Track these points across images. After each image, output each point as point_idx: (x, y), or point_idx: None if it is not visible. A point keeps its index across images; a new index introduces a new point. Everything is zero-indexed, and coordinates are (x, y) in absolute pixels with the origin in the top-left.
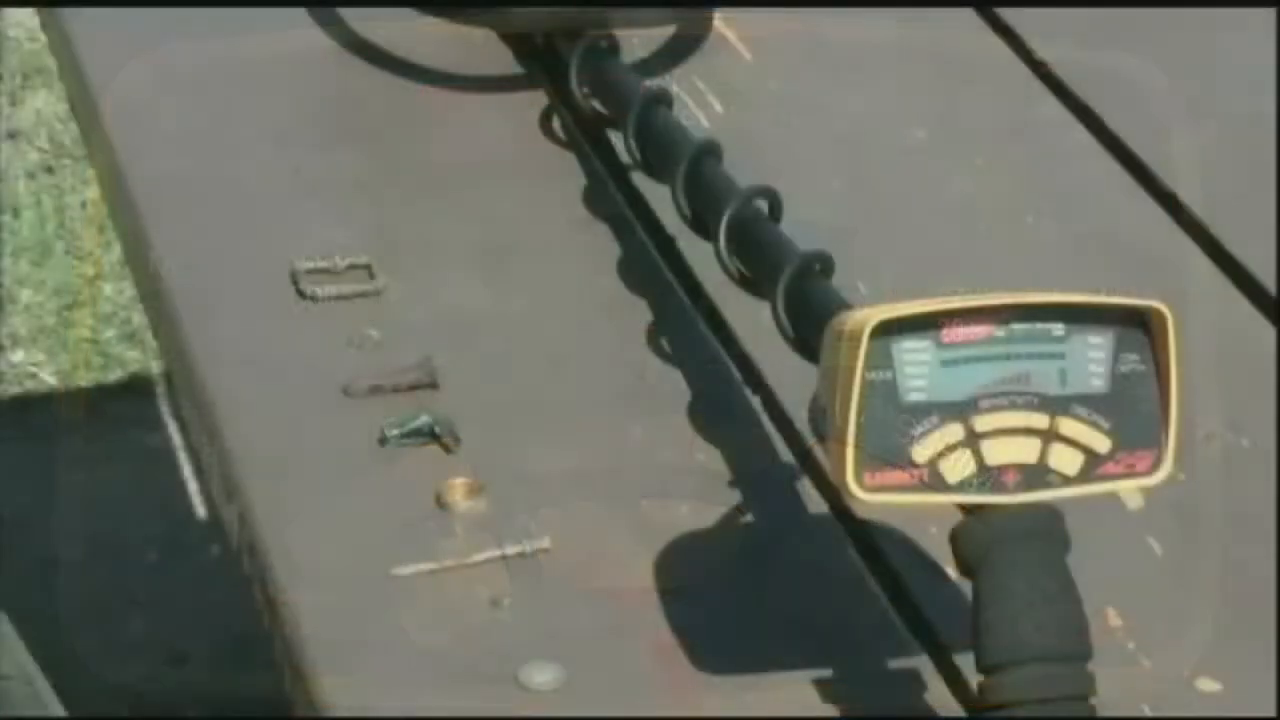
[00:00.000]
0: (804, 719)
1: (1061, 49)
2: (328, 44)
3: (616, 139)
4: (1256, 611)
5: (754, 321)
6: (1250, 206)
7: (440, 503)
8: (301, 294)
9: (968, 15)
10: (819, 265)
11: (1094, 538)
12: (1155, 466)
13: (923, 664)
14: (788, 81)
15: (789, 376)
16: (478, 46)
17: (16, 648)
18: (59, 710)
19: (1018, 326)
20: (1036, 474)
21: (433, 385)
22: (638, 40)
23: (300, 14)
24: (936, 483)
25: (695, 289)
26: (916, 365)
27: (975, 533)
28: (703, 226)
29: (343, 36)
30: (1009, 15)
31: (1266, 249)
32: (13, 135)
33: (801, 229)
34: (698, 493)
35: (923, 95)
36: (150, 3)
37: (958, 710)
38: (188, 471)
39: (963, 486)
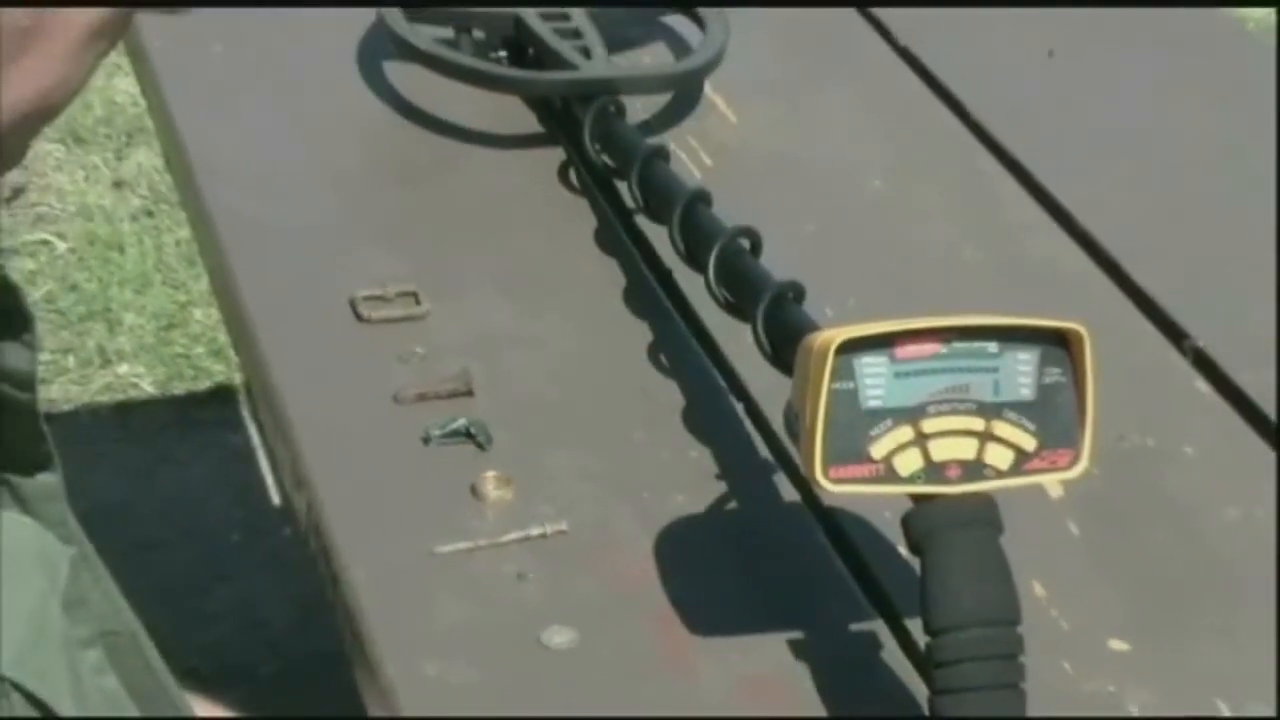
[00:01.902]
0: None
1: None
2: (381, 106)
3: (623, 188)
4: (1159, 583)
5: (738, 341)
6: (1153, 238)
7: (474, 493)
8: (358, 317)
9: (922, 94)
10: (792, 293)
11: (1022, 522)
12: (1074, 462)
13: (879, 628)
14: (767, 140)
15: (767, 387)
16: (507, 109)
17: (123, 607)
18: (159, 663)
19: (959, 345)
20: (974, 468)
21: (469, 393)
22: (640, 104)
23: (359, 79)
24: (891, 476)
25: (688, 313)
26: (874, 377)
27: (923, 518)
28: (695, 261)
29: (394, 100)
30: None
31: (1165, 277)
32: (119, 184)
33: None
34: (690, 485)
35: (878, 150)
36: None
37: (908, 666)
38: (264, 465)
39: (913, 479)
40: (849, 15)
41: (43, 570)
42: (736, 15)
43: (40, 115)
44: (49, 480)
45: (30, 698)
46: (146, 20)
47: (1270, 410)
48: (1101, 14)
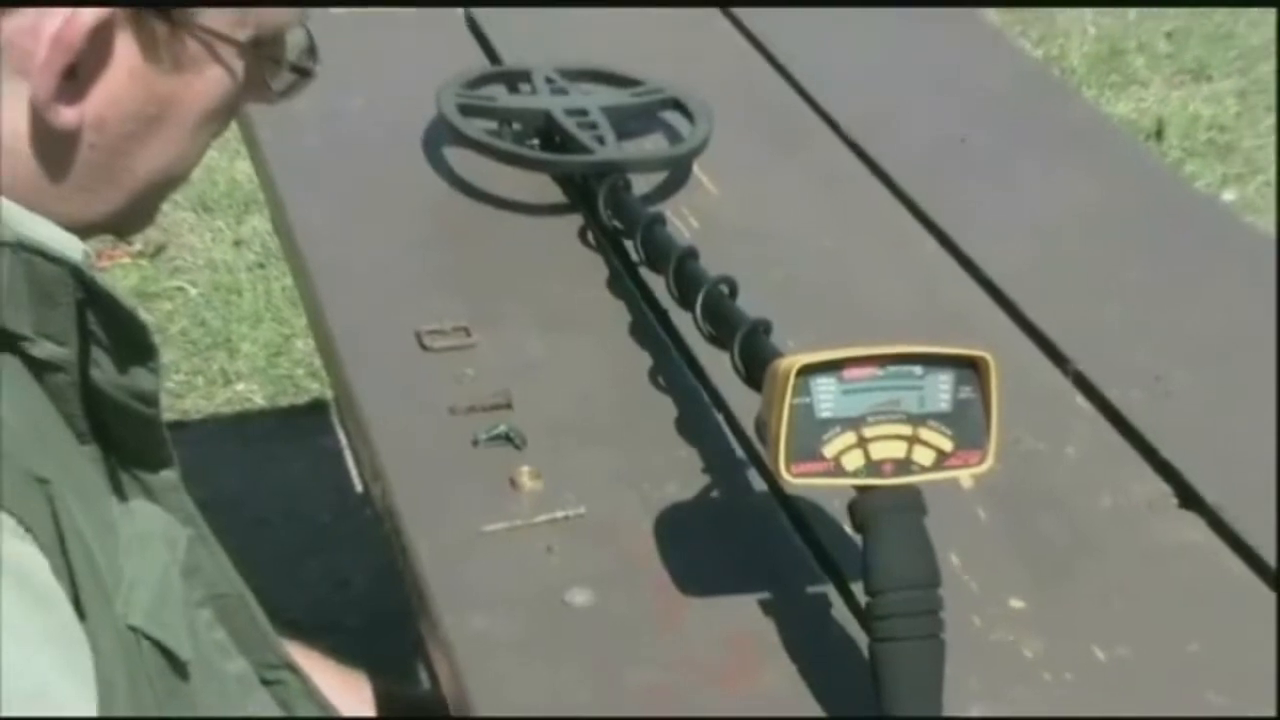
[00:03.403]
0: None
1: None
2: (439, 181)
3: (629, 245)
4: (1048, 555)
5: (719, 365)
6: (1042, 285)
7: (512, 484)
8: (422, 346)
9: (861, 172)
10: (762, 328)
11: (942, 507)
12: (982, 461)
13: (830, 590)
14: (742, 208)
15: (742, 401)
16: (538, 184)
17: (232, 575)
18: (262, 617)
19: (892, 368)
20: (904, 465)
21: (508, 406)
22: (642, 180)
23: (423, 160)
24: (839, 471)
25: (680, 344)
26: (826, 394)
27: (864, 504)
28: (685, 302)
29: (450, 176)
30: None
31: (1052, 315)
32: (238, 243)
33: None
34: (681, 478)
35: (828, 217)
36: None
37: (852, 620)
38: (349, 462)
39: (856, 473)
40: (805, 111)
41: (166, 546)
42: (719, 111)
43: (167, 184)
44: (170, 476)
45: (157, 645)
46: (257, 113)
47: (1133, 419)
48: (1000, 108)
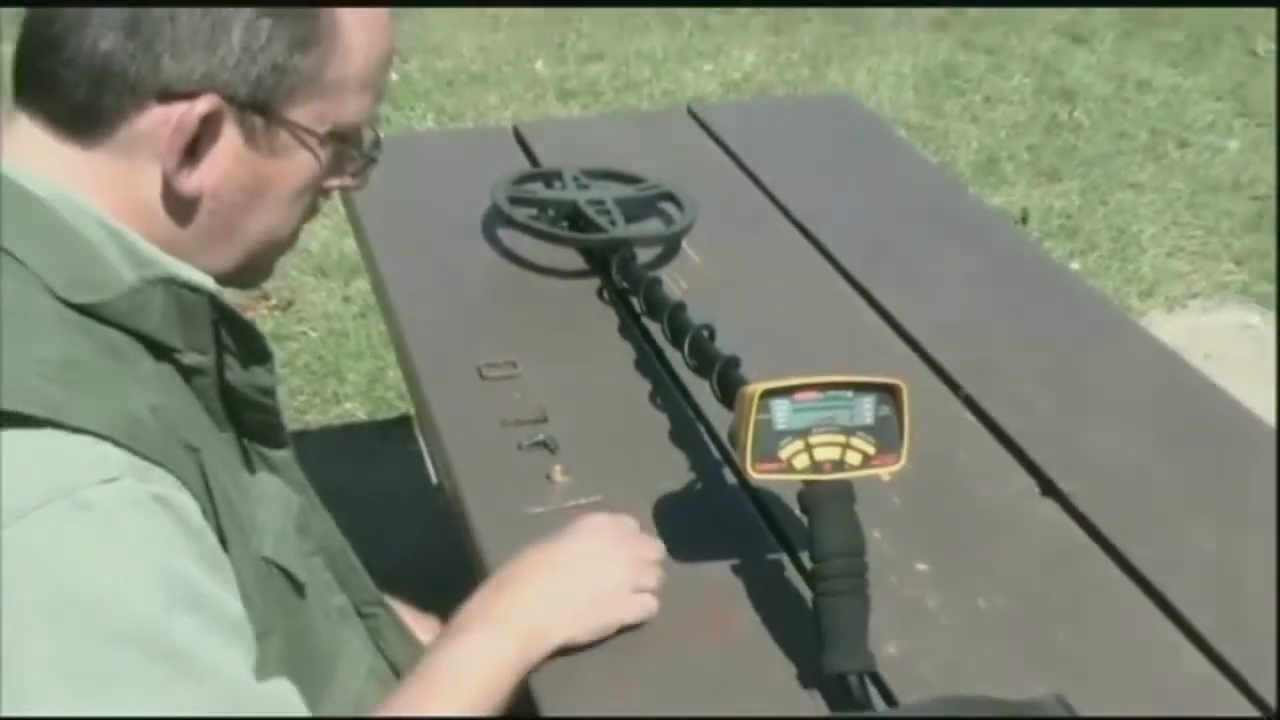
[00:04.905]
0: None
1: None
2: (494, 253)
3: (635, 301)
4: (947, 530)
5: (702, 390)
6: (942, 332)
7: (548, 478)
8: (481, 376)
9: (806, 249)
10: (734, 363)
11: (867, 495)
12: (897, 461)
13: (783, 557)
14: (718, 275)
15: (719, 417)
16: (567, 255)
17: (336, 533)
18: (360, 565)
19: (830, 393)
20: (839, 465)
21: (545, 420)
22: (645, 253)
23: (481, 237)
24: (791, 469)
25: (672, 374)
26: (781, 411)
27: (810, 494)
28: (677, 343)
29: (502, 249)
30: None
31: (948, 353)
32: (346, 299)
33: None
34: (674, 475)
35: (782, 282)
36: None
37: (800, 581)
38: (428, 463)
39: (804, 471)
40: (766, 203)
41: (283, 507)
42: (702, 202)
43: (273, 245)
44: (286, 454)
45: (283, 571)
46: (361, 201)
47: (1008, 430)
48: (912, 200)
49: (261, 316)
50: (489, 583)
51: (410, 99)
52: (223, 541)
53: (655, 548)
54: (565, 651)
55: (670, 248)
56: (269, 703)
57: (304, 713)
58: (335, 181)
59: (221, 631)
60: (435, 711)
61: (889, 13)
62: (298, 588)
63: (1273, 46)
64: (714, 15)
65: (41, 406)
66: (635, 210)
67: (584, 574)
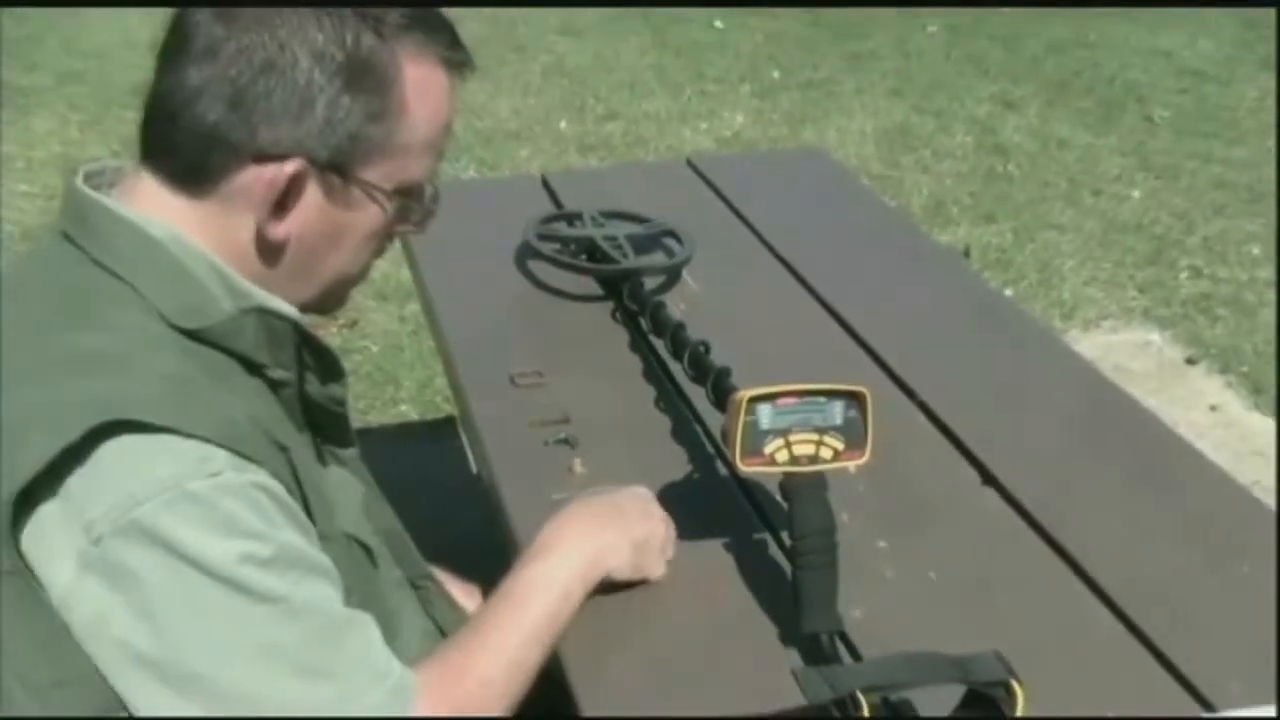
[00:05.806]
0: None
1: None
2: (525, 281)
3: (643, 321)
4: (903, 512)
5: (699, 396)
6: (906, 353)
7: (569, 470)
8: (513, 384)
9: (788, 280)
10: (726, 373)
11: (837, 484)
12: (862, 456)
13: (767, 537)
14: (714, 300)
15: (713, 419)
16: (586, 283)
17: (394, 518)
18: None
19: (806, 399)
20: (814, 459)
21: (567, 421)
22: (651, 281)
23: (514, 268)
24: (774, 463)
25: (674, 383)
26: (766, 414)
27: (790, 482)
28: (678, 356)
29: (531, 278)
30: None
31: (909, 367)
32: (402, 319)
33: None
34: (674, 467)
35: (765, 307)
36: None
37: (781, 556)
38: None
39: (784, 464)
40: (754, 240)
41: (351, 495)
42: (700, 238)
43: (348, 281)
44: (353, 452)
45: (360, 544)
46: (415, 242)
47: (955, 430)
48: (876, 238)
49: (332, 334)
50: (557, 517)
51: (455, 152)
52: (311, 519)
53: (673, 526)
54: (600, 589)
55: (673, 277)
56: (358, 624)
57: (380, 643)
58: (400, 228)
59: (314, 576)
60: (524, 621)
61: (853, 83)
62: (371, 558)
63: (1166, 113)
64: (709, 85)
65: (160, 416)
66: (643, 245)
67: (636, 522)
